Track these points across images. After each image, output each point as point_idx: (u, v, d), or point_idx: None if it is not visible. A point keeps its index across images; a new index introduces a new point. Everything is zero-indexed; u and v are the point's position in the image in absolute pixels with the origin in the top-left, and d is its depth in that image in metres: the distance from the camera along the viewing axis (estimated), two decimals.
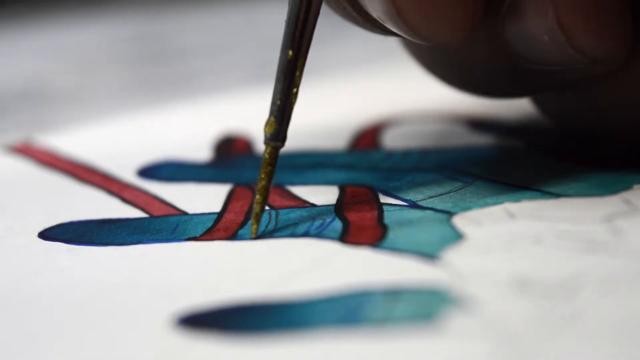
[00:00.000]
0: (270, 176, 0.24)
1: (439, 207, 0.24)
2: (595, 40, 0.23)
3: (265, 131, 0.24)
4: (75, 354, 0.19)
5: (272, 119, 0.24)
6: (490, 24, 0.24)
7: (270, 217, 0.25)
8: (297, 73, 0.24)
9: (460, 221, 0.23)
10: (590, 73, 0.24)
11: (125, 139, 0.34)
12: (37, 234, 0.25)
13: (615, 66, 0.24)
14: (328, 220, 0.24)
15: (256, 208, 0.24)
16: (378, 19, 0.24)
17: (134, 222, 0.25)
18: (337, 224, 0.24)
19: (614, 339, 0.18)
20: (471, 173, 0.26)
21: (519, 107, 0.32)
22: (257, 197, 0.24)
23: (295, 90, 0.24)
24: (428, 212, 0.24)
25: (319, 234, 0.23)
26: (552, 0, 0.23)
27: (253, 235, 0.24)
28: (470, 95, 0.27)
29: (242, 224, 0.25)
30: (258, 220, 0.24)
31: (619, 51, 0.24)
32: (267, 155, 0.24)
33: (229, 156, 0.31)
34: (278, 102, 0.24)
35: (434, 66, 0.27)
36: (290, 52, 0.24)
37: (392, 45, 0.31)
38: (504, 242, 0.22)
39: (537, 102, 0.27)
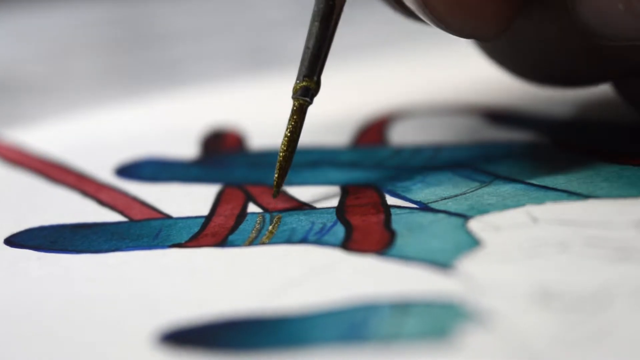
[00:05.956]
0: (295, 129, 0.26)
1: (453, 209, 0.24)
2: None
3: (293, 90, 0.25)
4: None
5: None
6: (556, 3, 0.24)
7: (264, 221, 0.25)
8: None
9: (476, 226, 0.23)
10: None
11: (101, 134, 0.34)
12: (2, 240, 0.25)
13: None
14: (329, 224, 0.24)
15: (279, 157, 0.25)
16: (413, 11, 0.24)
17: (111, 226, 0.25)
18: (339, 229, 0.24)
19: None
20: (489, 172, 0.27)
21: (543, 98, 0.32)
22: (282, 147, 0.25)
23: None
24: (441, 215, 0.24)
25: (319, 240, 0.23)
26: None
27: (276, 190, 0.25)
28: (547, 87, 0.28)
29: (233, 229, 0.25)
30: (281, 176, 0.25)
31: None
32: (294, 108, 0.25)
33: (218, 153, 0.31)
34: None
35: (504, 58, 0.27)
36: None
37: (399, 32, 0.31)
38: (526, 250, 0.22)
39: (619, 89, 0.27)
